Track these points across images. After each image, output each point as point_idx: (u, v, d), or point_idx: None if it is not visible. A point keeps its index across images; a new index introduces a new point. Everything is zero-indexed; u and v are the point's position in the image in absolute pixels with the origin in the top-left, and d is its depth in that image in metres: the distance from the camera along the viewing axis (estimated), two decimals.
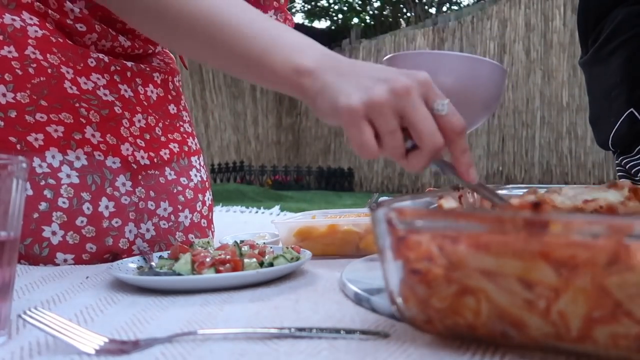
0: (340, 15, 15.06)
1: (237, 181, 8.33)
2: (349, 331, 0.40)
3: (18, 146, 0.72)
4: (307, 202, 5.13)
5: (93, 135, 0.77)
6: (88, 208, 0.75)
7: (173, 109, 0.90)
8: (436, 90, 0.50)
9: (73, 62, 0.76)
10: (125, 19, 0.73)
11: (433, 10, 12.69)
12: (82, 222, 0.75)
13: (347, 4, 14.80)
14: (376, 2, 14.63)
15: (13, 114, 0.72)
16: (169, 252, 0.67)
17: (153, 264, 0.66)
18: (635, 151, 0.92)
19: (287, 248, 0.66)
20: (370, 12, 14.73)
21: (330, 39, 9.72)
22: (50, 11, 0.77)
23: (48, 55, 0.74)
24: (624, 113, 0.91)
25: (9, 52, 0.72)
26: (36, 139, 0.73)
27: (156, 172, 0.84)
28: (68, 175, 0.75)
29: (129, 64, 0.84)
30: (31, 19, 0.75)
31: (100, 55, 0.80)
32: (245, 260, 0.60)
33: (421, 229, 0.34)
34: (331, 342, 0.39)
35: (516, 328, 0.33)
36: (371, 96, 0.48)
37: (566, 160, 6.35)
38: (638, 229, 0.29)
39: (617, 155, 0.98)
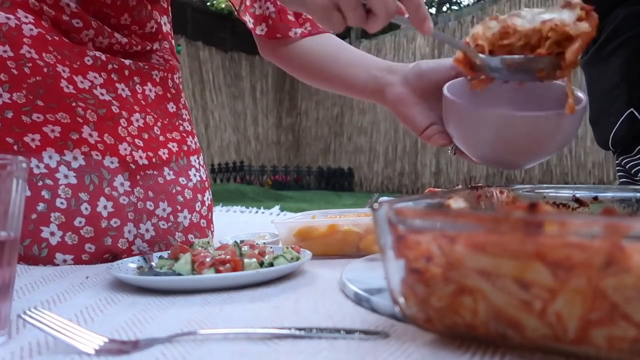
0: None
1: (237, 181, 8.35)
2: (349, 331, 0.40)
3: (15, 147, 0.72)
4: (307, 202, 5.13)
5: (90, 135, 0.76)
6: (86, 208, 0.75)
7: (172, 107, 0.89)
8: None
9: (69, 61, 0.76)
10: None
11: (433, 10, 12.68)
12: (80, 222, 0.74)
13: None
14: None
15: (9, 115, 0.72)
16: (168, 252, 0.67)
17: (153, 264, 0.66)
18: (636, 151, 0.92)
19: (287, 248, 0.66)
20: None
21: None
22: (45, 8, 0.76)
23: (44, 54, 0.74)
24: (624, 113, 0.91)
25: (4, 51, 0.72)
26: (33, 140, 0.73)
27: (155, 172, 0.83)
28: (66, 176, 0.74)
29: (127, 62, 0.83)
30: (26, 17, 0.74)
31: (97, 54, 0.79)
32: (245, 260, 0.60)
33: (420, 229, 0.34)
34: (331, 342, 0.39)
35: (514, 329, 0.33)
36: None
37: (566, 160, 6.35)
38: (635, 231, 0.28)
39: (617, 155, 0.98)
